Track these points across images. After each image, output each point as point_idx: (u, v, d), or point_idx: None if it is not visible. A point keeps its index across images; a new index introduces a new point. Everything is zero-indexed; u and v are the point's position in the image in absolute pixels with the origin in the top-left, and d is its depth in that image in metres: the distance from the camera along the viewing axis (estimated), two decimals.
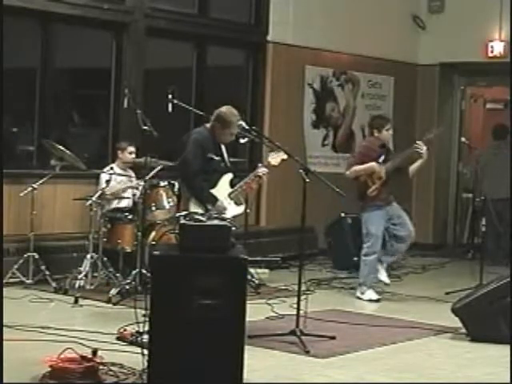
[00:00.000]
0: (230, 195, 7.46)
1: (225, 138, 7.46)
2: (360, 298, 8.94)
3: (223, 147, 7.56)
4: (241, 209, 7.67)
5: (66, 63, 10.25)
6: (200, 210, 7.03)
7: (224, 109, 7.44)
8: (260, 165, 7.73)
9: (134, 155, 9.24)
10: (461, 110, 13.88)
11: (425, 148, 8.74)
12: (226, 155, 7.56)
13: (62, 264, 8.88)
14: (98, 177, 9.10)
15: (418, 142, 8.85)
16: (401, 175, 9.02)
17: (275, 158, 7.56)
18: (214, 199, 7.34)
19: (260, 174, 7.63)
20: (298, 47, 11.68)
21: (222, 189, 7.44)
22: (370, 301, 8.85)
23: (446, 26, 13.03)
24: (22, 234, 8.74)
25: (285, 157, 7.48)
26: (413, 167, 8.99)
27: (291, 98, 11.77)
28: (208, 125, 7.50)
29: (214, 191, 7.39)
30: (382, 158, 8.88)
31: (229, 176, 7.53)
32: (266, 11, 11.50)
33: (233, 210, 7.50)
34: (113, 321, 7.17)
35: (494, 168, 11.67)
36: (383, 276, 9.06)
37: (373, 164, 8.83)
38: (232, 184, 7.54)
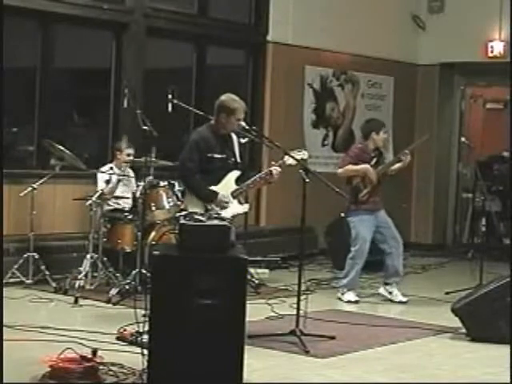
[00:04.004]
0: (233, 193, 7.28)
1: (231, 127, 7.23)
2: (340, 300, 8.89)
3: (235, 143, 7.38)
4: (244, 208, 7.50)
5: (66, 63, 10.25)
6: (196, 208, 6.97)
7: (224, 97, 7.26)
8: (273, 163, 7.42)
9: (131, 157, 9.21)
10: (461, 110, 13.89)
11: (409, 157, 8.91)
12: (237, 151, 7.37)
13: (62, 264, 8.88)
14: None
15: (406, 151, 8.95)
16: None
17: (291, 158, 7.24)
18: (214, 195, 7.20)
19: (273, 172, 7.31)
20: (298, 47, 11.68)
21: (226, 186, 7.26)
22: (349, 302, 8.79)
23: (446, 25, 13.03)
24: (22, 233, 8.73)
25: (305, 156, 7.30)
26: (391, 169, 9.08)
27: (291, 98, 11.77)
28: (212, 121, 7.33)
29: (215, 188, 7.23)
30: (375, 160, 8.94)
31: (235, 173, 7.32)
32: (265, 11, 11.50)
33: (236, 208, 7.35)
34: (113, 321, 7.17)
35: None
36: (399, 296, 8.96)
37: (367, 166, 8.86)
38: (237, 182, 7.34)
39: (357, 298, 8.88)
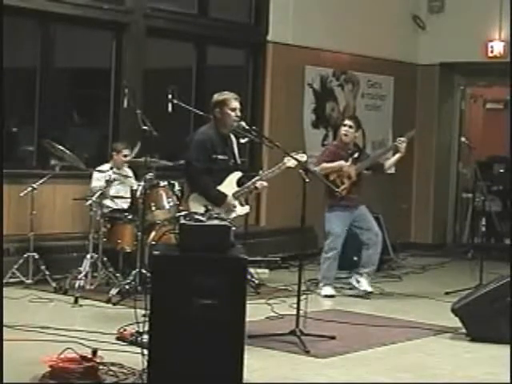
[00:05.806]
0: (234, 194, 7.33)
1: (229, 120, 7.22)
2: (318, 294, 9.03)
3: (234, 144, 7.44)
4: (245, 209, 7.56)
5: (66, 63, 10.25)
6: (200, 207, 6.96)
7: (216, 94, 7.38)
8: (261, 171, 7.53)
9: (128, 158, 9.21)
10: (461, 110, 13.89)
11: (405, 144, 8.97)
12: (236, 152, 7.42)
13: (62, 264, 8.88)
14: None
15: (400, 138, 9.04)
16: (375, 170, 9.24)
17: (291, 160, 7.27)
18: (223, 196, 7.24)
19: (257, 185, 7.49)
20: (298, 47, 11.67)
21: (227, 188, 7.29)
22: (326, 296, 8.96)
23: (446, 26, 13.03)
24: (22, 233, 8.73)
25: (304, 159, 7.28)
26: (389, 161, 9.23)
27: (291, 98, 11.77)
28: (212, 122, 7.36)
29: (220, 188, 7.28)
30: (353, 157, 8.97)
31: (237, 174, 7.37)
32: (265, 11, 11.49)
33: (238, 209, 7.38)
34: (113, 321, 7.17)
35: None
36: (365, 286, 9.13)
37: (341, 163, 8.92)
38: (239, 183, 7.39)
39: (333, 293, 9.06)
